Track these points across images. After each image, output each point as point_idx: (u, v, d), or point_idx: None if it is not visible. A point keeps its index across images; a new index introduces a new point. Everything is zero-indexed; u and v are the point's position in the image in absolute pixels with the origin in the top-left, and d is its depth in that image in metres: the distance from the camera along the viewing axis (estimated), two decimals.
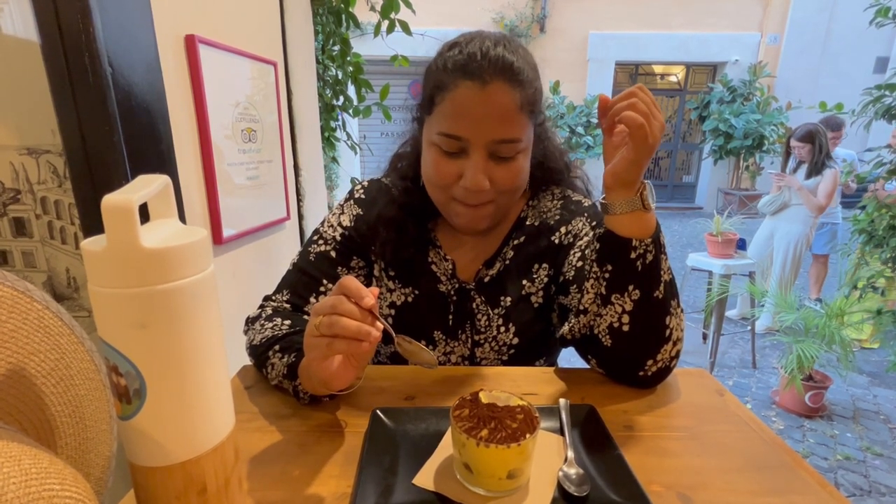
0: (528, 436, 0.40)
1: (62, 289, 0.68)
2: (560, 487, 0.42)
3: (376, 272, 0.73)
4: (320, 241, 0.72)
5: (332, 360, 0.47)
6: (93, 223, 0.61)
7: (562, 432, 0.50)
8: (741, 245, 2.72)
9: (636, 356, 0.57)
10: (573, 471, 0.44)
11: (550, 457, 0.46)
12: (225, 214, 0.94)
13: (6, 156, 0.63)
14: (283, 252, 1.27)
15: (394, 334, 0.50)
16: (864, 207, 2.32)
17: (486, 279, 0.70)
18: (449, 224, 0.72)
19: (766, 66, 7.12)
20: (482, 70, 0.56)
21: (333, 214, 0.74)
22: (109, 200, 0.29)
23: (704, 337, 2.90)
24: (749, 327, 2.83)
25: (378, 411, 0.51)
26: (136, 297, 0.31)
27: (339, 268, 0.71)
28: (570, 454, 0.46)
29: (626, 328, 0.56)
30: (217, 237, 0.93)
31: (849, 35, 6.81)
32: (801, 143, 2.86)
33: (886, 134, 2.52)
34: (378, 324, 0.46)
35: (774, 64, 7.36)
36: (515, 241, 0.71)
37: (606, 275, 0.55)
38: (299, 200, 1.38)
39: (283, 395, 0.59)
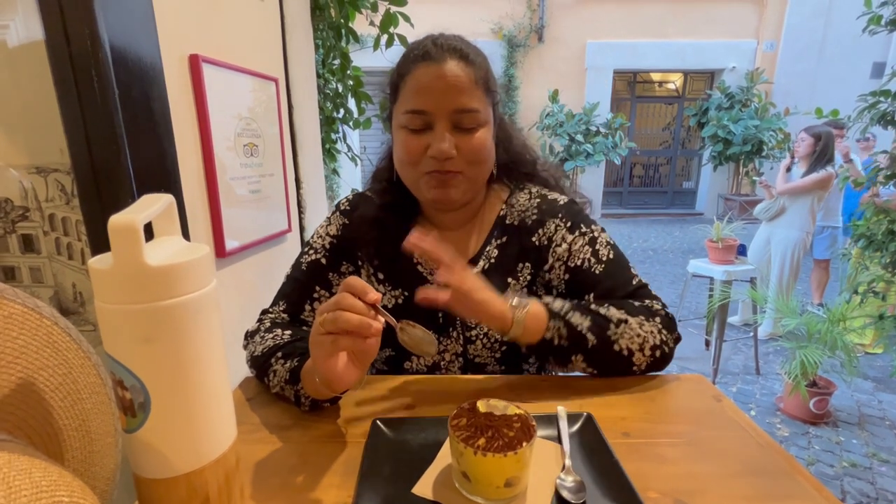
0: (524, 444, 0.41)
1: (68, 303, 0.69)
2: (558, 495, 0.43)
3: (364, 276, 0.75)
4: (311, 251, 0.75)
5: (337, 358, 0.48)
6: (100, 240, 0.62)
7: (559, 440, 0.50)
8: (742, 251, 2.72)
9: (618, 373, 0.65)
10: (571, 478, 0.44)
11: (548, 465, 0.47)
12: (227, 228, 0.96)
13: (16, 175, 0.65)
14: (286, 264, 1.27)
15: (395, 323, 0.51)
16: (862, 212, 2.32)
17: None
18: (430, 222, 0.75)
19: (763, 73, 7.17)
20: (436, 53, 0.63)
21: (322, 226, 0.77)
22: (115, 220, 0.31)
23: (707, 343, 2.89)
24: (751, 333, 2.82)
25: (378, 421, 0.52)
26: (141, 313, 0.32)
27: (331, 273, 0.73)
28: (568, 462, 0.46)
29: (593, 370, 0.65)
30: (220, 250, 0.94)
31: (845, 40, 6.85)
32: (808, 135, 2.86)
33: (884, 139, 2.53)
34: (380, 318, 0.47)
35: (771, 70, 7.41)
36: (498, 241, 0.73)
37: (551, 362, 0.65)
38: (301, 213, 1.39)
39: (284, 405, 0.59)
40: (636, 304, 0.65)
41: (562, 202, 0.74)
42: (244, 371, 0.68)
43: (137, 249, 0.31)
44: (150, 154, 0.67)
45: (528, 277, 0.72)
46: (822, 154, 2.80)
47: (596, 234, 0.71)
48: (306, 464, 0.48)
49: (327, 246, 0.74)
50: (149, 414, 0.33)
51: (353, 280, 0.48)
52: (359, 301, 0.46)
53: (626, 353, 0.62)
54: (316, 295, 0.72)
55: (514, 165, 0.77)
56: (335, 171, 1.93)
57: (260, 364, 0.62)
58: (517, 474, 0.42)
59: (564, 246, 0.70)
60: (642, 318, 0.63)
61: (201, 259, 0.34)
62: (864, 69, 7.01)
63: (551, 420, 0.53)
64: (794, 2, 7.22)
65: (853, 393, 2.46)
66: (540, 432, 0.50)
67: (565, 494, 0.42)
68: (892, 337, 2.27)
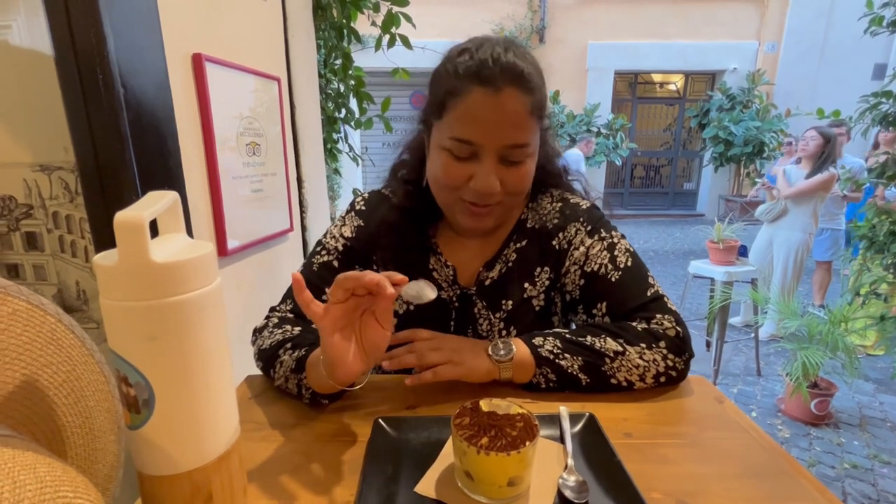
0: (527, 443, 0.41)
1: (72, 301, 0.70)
2: (560, 495, 0.43)
3: None
4: (323, 252, 0.73)
5: (344, 339, 0.48)
6: (104, 237, 0.62)
7: (562, 440, 0.50)
8: (743, 252, 2.71)
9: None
10: (573, 478, 0.44)
11: (550, 464, 0.47)
12: (230, 227, 0.96)
13: (20, 172, 0.65)
14: (287, 263, 1.29)
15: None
16: (863, 213, 2.32)
17: (487, 282, 0.71)
18: (449, 228, 0.73)
19: (764, 74, 7.16)
20: (495, 77, 0.57)
21: (335, 226, 0.75)
22: (121, 217, 0.31)
23: (708, 345, 2.89)
24: (752, 335, 2.82)
25: (380, 420, 0.52)
26: (146, 310, 0.32)
27: None
28: (570, 462, 0.46)
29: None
30: (222, 249, 0.95)
31: (846, 42, 6.84)
32: (818, 134, 2.84)
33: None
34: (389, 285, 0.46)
35: (773, 71, 7.40)
36: (517, 244, 0.71)
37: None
38: (302, 212, 1.40)
39: (287, 403, 0.59)
40: (640, 328, 0.62)
41: (584, 206, 0.72)
42: (247, 369, 0.68)
43: (143, 246, 0.31)
44: (153, 152, 0.67)
45: (547, 282, 0.71)
46: (829, 155, 2.80)
47: (615, 240, 0.69)
48: (309, 462, 0.48)
49: (340, 248, 0.72)
50: (153, 411, 0.33)
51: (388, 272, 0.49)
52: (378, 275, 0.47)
53: (624, 384, 0.60)
54: (324, 297, 0.70)
55: (545, 177, 0.75)
56: (337, 171, 1.94)
57: (268, 356, 0.62)
58: (520, 474, 0.42)
59: (582, 249, 0.68)
60: (643, 346, 0.60)
61: (206, 256, 0.34)
62: (865, 71, 7.00)
63: (553, 420, 0.53)
64: (795, 3, 7.22)
65: (854, 394, 2.46)
66: (542, 432, 0.50)
67: (568, 494, 0.42)
68: (894, 338, 2.26)
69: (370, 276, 0.45)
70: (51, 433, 0.35)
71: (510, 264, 0.71)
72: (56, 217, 0.66)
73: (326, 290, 0.70)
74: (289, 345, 0.61)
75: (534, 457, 0.42)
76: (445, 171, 0.62)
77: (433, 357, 0.58)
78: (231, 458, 0.38)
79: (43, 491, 0.26)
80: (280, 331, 0.65)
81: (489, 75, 0.57)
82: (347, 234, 0.73)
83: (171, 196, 0.35)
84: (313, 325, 0.69)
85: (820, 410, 2.15)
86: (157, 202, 0.34)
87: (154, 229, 0.34)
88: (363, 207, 0.75)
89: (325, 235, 0.75)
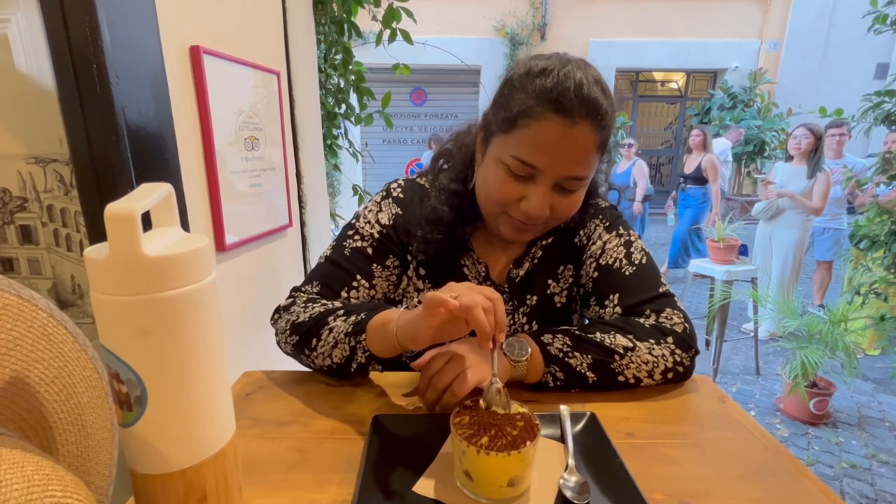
0: (528, 443, 0.40)
1: (67, 295, 0.69)
2: (561, 495, 0.42)
3: (410, 272, 0.72)
4: (356, 237, 0.70)
5: (439, 326, 0.49)
6: (99, 231, 0.62)
7: (563, 440, 0.50)
8: (743, 251, 2.71)
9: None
10: (574, 478, 0.44)
11: (551, 464, 0.46)
12: (228, 222, 0.95)
13: (14, 164, 0.64)
14: (286, 259, 1.28)
15: (494, 375, 0.48)
16: (864, 213, 2.32)
17: (517, 279, 0.72)
18: (486, 231, 0.73)
19: (766, 73, 7.14)
20: (573, 109, 0.55)
21: (370, 211, 0.72)
22: (112, 209, 0.30)
23: (707, 343, 2.89)
24: (752, 334, 2.82)
25: (379, 418, 0.52)
26: (137, 305, 0.31)
27: (374, 265, 0.70)
28: (571, 462, 0.46)
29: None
30: (220, 244, 0.94)
31: (848, 41, 6.83)
32: (809, 131, 2.84)
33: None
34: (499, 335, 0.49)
35: (774, 70, 7.39)
36: (543, 242, 0.73)
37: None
38: (301, 208, 1.39)
39: (284, 400, 0.59)
40: (648, 324, 0.63)
41: (603, 206, 0.75)
42: (244, 366, 0.67)
43: (135, 239, 0.30)
44: (149, 146, 0.66)
45: (571, 279, 0.73)
46: (821, 152, 2.82)
47: (632, 238, 0.71)
48: (306, 460, 0.48)
49: (376, 235, 0.70)
50: (145, 408, 0.33)
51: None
52: (501, 317, 0.48)
53: (632, 381, 0.60)
54: (355, 283, 0.68)
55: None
56: (336, 167, 1.92)
57: (308, 327, 0.61)
58: (520, 474, 0.41)
59: (599, 243, 0.71)
60: (652, 341, 0.61)
61: (200, 250, 0.34)
62: (867, 70, 6.99)
63: (554, 419, 0.52)
64: (797, 2, 7.20)
65: (853, 394, 2.46)
66: (543, 431, 0.49)
67: (569, 495, 0.42)
68: (893, 338, 2.26)
69: (486, 327, 0.47)
70: (41, 430, 0.35)
71: (536, 261, 0.73)
72: (51, 210, 0.65)
73: (358, 276, 0.69)
74: (340, 312, 0.61)
75: (534, 457, 0.42)
76: (499, 188, 0.61)
77: (449, 374, 0.55)
78: (226, 456, 0.37)
79: (30, 490, 0.25)
80: (318, 305, 0.64)
81: (568, 106, 0.55)
82: (384, 220, 0.71)
83: (164, 188, 0.34)
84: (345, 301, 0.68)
85: (818, 410, 2.15)
86: (150, 194, 0.33)
87: (148, 223, 0.33)
88: (401, 195, 0.73)
89: (357, 220, 0.73)
